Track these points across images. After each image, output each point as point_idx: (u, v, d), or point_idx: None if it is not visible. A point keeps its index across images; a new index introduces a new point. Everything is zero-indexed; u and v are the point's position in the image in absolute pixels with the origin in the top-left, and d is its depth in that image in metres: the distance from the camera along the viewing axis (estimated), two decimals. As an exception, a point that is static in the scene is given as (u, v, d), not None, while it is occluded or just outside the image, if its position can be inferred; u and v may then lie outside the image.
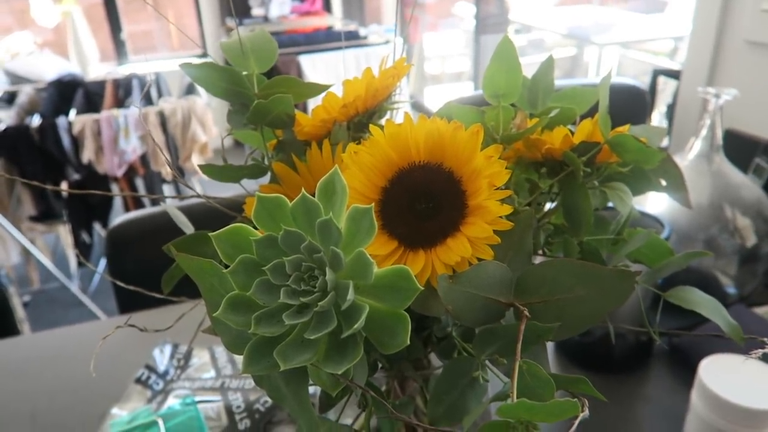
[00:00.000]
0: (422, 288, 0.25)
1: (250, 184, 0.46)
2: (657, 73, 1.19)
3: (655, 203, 0.74)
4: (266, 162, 0.43)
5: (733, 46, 0.94)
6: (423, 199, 0.34)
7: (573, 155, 0.38)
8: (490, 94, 0.42)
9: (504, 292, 0.30)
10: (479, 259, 0.31)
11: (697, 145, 0.71)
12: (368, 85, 0.40)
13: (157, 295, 0.46)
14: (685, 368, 0.63)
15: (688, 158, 0.72)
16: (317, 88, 0.42)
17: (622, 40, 3.39)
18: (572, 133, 0.40)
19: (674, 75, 1.12)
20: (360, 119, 0.42)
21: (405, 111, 0.37)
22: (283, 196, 0.26)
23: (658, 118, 1.24)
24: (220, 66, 0.41)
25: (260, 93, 0.41)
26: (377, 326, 0.25)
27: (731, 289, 0.70)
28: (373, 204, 0.26)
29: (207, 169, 0.42)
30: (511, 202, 0.40)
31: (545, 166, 0.41)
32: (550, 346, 0.69)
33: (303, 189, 0.26)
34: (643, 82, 1.28)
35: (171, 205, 0.47)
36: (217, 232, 0.26)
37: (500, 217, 0.32)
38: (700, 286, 0.71)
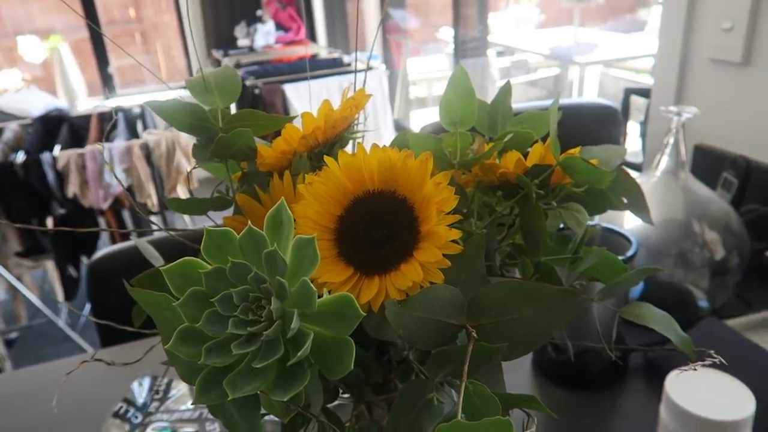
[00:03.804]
0: (365, 314, 0.25)
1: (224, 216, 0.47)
2: (629, 92, 1.22)
3: (630, 220, 0.75)
4: (231, 194, 0.43)
5: (697, 65, 0.96)
6: (379, 227, 0.35)
7: (525, 178, 0.39)
8: (448, 121, 0.43)
9: (455, 314, 0.31)
10: (432, 283, 0.32)
11: (663, 162, 0.72)
12: (327, 117, 0.41)
13: (129, 329, 0.47)
14: (659, 382, 0.64)
15: (656, 175, 0.74)
16: (280, 121, 0.43)
17: (603, 59, 3.46)
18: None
19: (645, 94, 1.15)
20: (321, 150, 0.43)
21: (359, 142, 0.38)
22: (230, 229, 0.27)
23: (633, 136, 1.26)
24: (184, 102, 0.42)
25: (224, 127, 0.42)
26: (323, 353, 0.26)
27: (703, 303, 0.71)
28: (316, 234, 0.26)
29: (172, 202, 0.43)
30: (469, 225, 0.41)
31: (501, 189, 0.43)
32: (526, 364, 0.69)
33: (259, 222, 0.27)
34: (618, 102, 1.31)
35: (141, 240, 0.48)
36: (169, 265, 0.27)
37: (452, 241, 0.33)
38: (674, 300, 0.72)
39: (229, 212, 0.44)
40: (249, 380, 0.25)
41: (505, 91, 0.47)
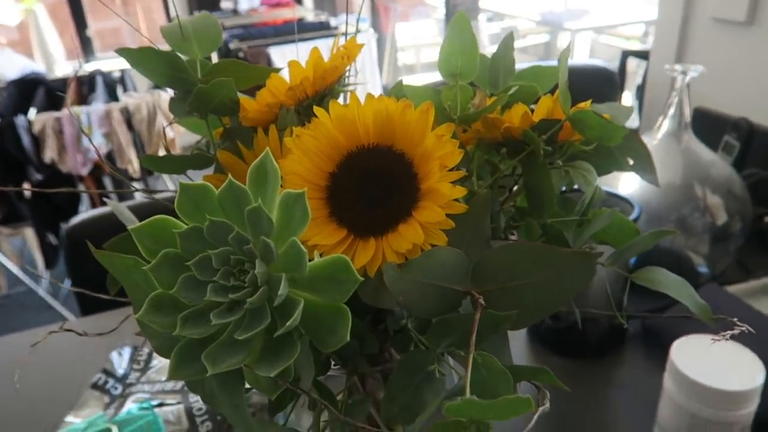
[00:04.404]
0: (362, 279, 0.23)
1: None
2: (626, 54, 1.18)
3: (627, 184, 0.73)
4: (212, 151, 0.40)
5: (700, 24, 0.93)
6: (374, 184, 0.32)
7: (533, 134, 0.36)
8: (447, 73, 0.40)
9: (459, 279, 0.29)
10: (434, 246, 0.29)
11: (665, 124, 0.70)
12: (316, 67, 0.37)
13: (104, 297, 0.44)
14: (659, 350, 0.62)
15: (657, 137, 0.71)
16: (264, 72, 0.39)
17: (594, 25, 3.41)
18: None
19: (643, 56, 1.11)
20: (309, 103, 0.39)
21: (352, 92, 0.35)
22: (208, 183, 0.24)
23: (629, 99, 1.23)
24: (161, 51, 0.38)
25: (203, 79, 0.39)
26: (315, 322, 0.23)
27: (703, 269, 0.69)
28: (306, 188, 0.23)
29: (147, 160, 0.40)
30: (470, 185, 0.38)
31: (506, 146, 0.40)
32: (522, 332, 0.68)
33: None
34: (613, 65, 1.27)
35: (117, 204, 0.45)
36: (138, 225, 0.24)
37: (455, 200, 0.30)
38: (673, 267, 0.69)
39: (210, 171, 0.41)
40: (231, 353, 0.23)
41: (507, 43, 0.44)
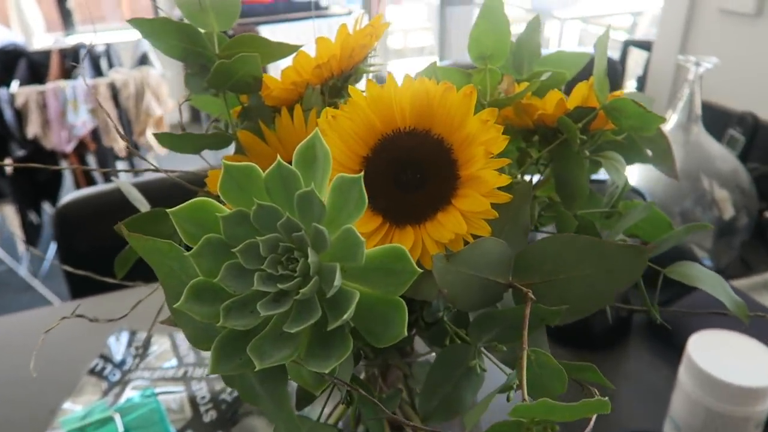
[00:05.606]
0: (420, 270, 0.21)
1: (212, 159, 0.42)
2: (628, 43, 1.17)
3: (630, 174, 0.72)
4: (230, 131, 0.38)
5: (706, 16, 0.92)
6: (409, 170, 0.30)
7: (569, 121, 0.35)
8: (477, 55, 0.39)
9: (502, 271, 0.27)
10: (474, 236, 0.28)
11: (675, 116, 0.69)
12: (344, 44, 0.36)
13: (110, 280, 0.42)
14: (665, 344, 0.62)
15: (665, 129, 0.70)
16: (286, 49, 0.38)
17: (583, 14, 3.41)
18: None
19: (645, 46, 1.11)
20: (335, 82, 0.38)
21: (389, 72, 0.33)
22: (254, 164, 0.22)
23: (629, 90, 1.22)
24: (177, 22, 0.36)
25: (222, 53, 0.37)
26: (368, 316, 0.22)
27: (707, 262, 0.69)
28: (362, 174, 0.22)
29: (163, 138, 0.38)
30: (508, 172, 0.37)
31: (537, 134, 0.38)
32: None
33: (275, 160, 0.22)
34: (614, 55, 1.26)
35: (124, 181, 0.43)
36: (177, 207, 0.22)
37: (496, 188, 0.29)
38: (676, 259, 0.69)
39: (226, 151, 0.40)
40: (278, 347, 0.21)
41: (533, 27, 0.42)
